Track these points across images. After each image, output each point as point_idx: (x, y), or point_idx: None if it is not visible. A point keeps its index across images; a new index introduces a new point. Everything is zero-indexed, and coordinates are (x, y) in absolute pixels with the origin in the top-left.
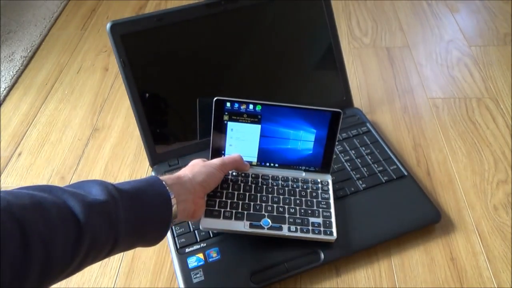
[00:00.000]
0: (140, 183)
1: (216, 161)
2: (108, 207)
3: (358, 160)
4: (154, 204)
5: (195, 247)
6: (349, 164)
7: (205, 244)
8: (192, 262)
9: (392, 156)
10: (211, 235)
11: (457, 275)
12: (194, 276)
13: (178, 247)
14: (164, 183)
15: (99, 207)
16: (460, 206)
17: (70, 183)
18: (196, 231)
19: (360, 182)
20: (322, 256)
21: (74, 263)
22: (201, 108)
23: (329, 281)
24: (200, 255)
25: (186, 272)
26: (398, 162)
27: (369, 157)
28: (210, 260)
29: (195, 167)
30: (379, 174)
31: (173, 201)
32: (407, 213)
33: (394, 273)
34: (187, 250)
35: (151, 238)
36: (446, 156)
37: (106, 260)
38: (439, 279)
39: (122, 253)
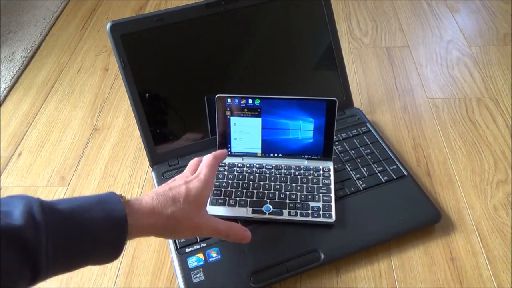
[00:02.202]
0: (86, 201)
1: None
2: (24, 234)
3: (358, 160)
4: (98, 228)
5: (195, 247)
6: (349, 164)
7: (205, 244)
8: (192, 262)
9: (392, 156)
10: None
11: (457, 275)
12: (194, 276)
13: (178, 247)
14: (121, 201)
15: (10, 234)
16: (460, 206)
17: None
18: None
19: (360, 182)
20: (322, 256)
21: None
22: (209, 105)
23: (329, 281)
24: (200, 255)
25: (186, 272)
26: (398, 162)
27: (369, 157)
28: (210, 260)
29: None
30: (379, 174)
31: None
32: (407, 213)
33: (394, 273)
34: (187, 250)
35: (99, 261)
36: (446, 156)
37: None
38: (439, 279)
39: (122, 253)
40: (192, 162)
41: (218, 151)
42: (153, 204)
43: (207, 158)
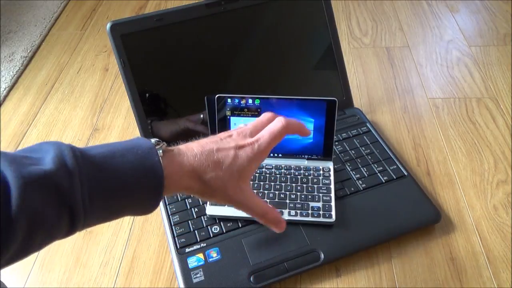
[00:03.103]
0: (120, 146)
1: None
2: (57, 178)
3: (358, 160)
4: (132, 173)
5: (195, 247)
6: (349, 164)
7: (205, 244)
8: (192, 262)
9: (392, 156)
10: (211, 235)
11: (457, 275)
12: (194, 276)
13: (178, 247)
14: (159, 147)
15: (41, 178)
16: (460, 206)
17: (33, 144)
18: (196, 231)
19: (360, 182)
20: (322, 256)
21: (10, 248)
22: (209, 105)
23: (329, 281)
24: (200, 255)
25: (186, 272)
26: (398, 162)
27: (369, 157)
28: (210, 260)
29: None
30: (379, 174)
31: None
32: (407, 213)
33: (394, 273)
34: (187, 250)
35: (136, 209)
36: (446, 156)
37: (106, 260)
38: (439, 279)
39: (122, 253)
40: (263, 119)
41: (296, 122)
42: (194, 165)
43: (277, 124)
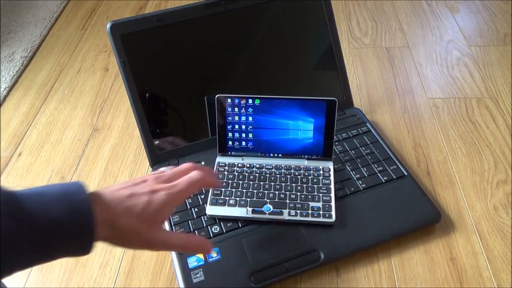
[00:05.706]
0: (52, 191)
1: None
2: None
3: (358, 160)
4: (58, 218)
5: None
6: (349, 164)
7: None
8: (192, 262)
9: (392, 156)
10: (211, 235)
11: (457, 275)
12: (194, 276)
13: None
14: (86, 192)
15: None
16: (460, 206)
17: None
18: (196, 231)
19: (360, 182)
20: (322, 256)
21: None
22: (209, 105)
23: (329, 281)
24: (200, 255)
25: (186, 272)
26: (398, 162)
27: (369, 157)
28: (210, 260)
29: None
30: (379, 174)
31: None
32: (407, 213)
33: (394, 273)
34: None
35: (67, 255)
36: (446, 156)
37: (106, 260)
38: (439, 279)
39: (122, 253)
40: (182, 168)
41: (211, 180)
42: (104, 217)
43: (196, 174)
